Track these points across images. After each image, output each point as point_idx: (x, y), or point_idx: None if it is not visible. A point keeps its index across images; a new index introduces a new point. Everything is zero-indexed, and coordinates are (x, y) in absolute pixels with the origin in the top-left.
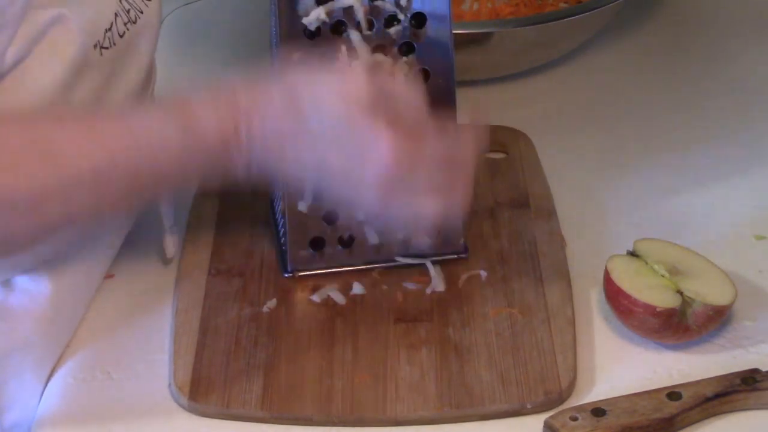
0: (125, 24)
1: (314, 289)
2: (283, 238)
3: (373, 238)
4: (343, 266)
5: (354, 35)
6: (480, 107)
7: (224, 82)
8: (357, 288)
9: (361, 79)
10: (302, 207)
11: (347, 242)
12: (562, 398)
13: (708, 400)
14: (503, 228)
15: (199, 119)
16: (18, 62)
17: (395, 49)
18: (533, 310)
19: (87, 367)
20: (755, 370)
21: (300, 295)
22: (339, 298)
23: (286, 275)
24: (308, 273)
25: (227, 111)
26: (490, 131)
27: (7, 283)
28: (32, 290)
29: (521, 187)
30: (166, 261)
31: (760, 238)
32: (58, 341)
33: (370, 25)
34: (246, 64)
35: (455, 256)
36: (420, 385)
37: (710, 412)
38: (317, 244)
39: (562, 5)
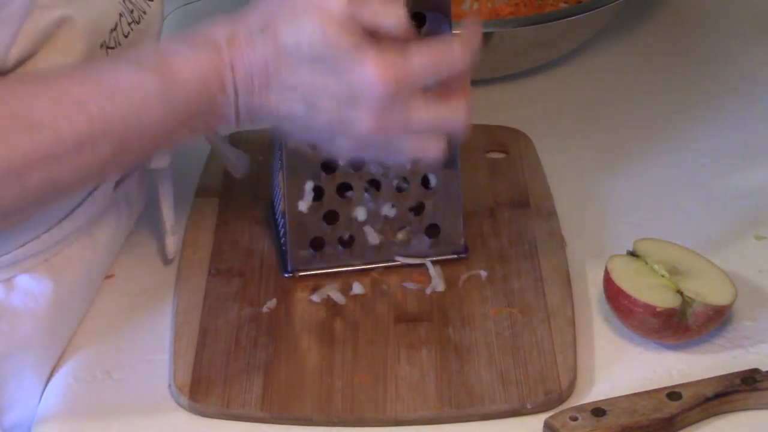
0: (129, 24)
1: (314, 289)
2: (283, 238)
3: (372, 238)
4: (343, 266)
5: None
6: (473, 18)
7: (199, 26)
8: (357, 288)
9: None
10: (302, 207)
11: (347, 242)
12: (562, 398)
13: (708, 400)
14: (503, 228)
15: (177, 66)
16: (23, 62)
17: None
18: (533, 309)
19: (87, 367)
20: (755, 370)
21: (300, 295)
22: (339, 298)
23: (286, 275)
24: (308, 273)
25: (205, 53)
26: (490, 131)
27: (9, 283)
28: (33, 290)
29: (521, 187)
30: (166, 261)
31: (760, 238)
32: (59, 341)
33: None
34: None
35: (455, 256)
36: (420, 385)
37: (710, 412)
38: (317, 244)
39: (562, 5)
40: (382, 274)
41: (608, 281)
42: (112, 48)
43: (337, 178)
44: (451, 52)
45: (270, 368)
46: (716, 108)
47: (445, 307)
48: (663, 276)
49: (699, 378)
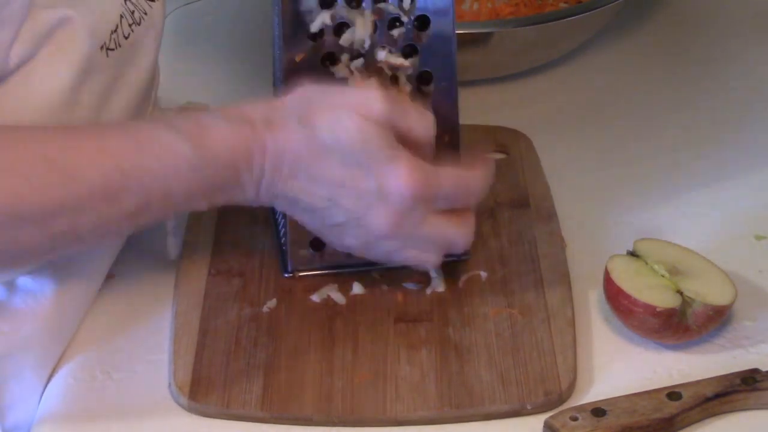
0: (130, 25)
1: (314, 289)
2: (283, 238)
3: None
4: (343, 266)
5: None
6: (485, 152)
7: (237, 103)
8: (357, 288)
9: (378, 96)
10: None
11: None
12: (562, 398)
13: (708, 400)
14: (503, 228)
15: (212, 138)
16: (23, 63)
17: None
18: (533, 310)
19: (87, 367)
20: (755, 370)
21: (300, 295)
22: (339, 298)
23: (286, 275)
24: (308, 273)
25: (241, 131)
26: (490, 131)
27: (10, 284)
28: (34, 291)
29: (521, 187)
30: (166, 261)
31: (760, 238)
32: (60, 341)
33: (374, 28)
34: (247, 64)
35: (455, 256)
36: (420, 386)
37: (710, 412)
38: (317, 244)
39: (562, 5)
40: (382, 274)
41: (608, 281)
42: (113, 49)
43: None
44: (475, 183)
45: (270, 368)
46: (716, 108)
47: (445, 307)
48: (663, 276)
49: (699, 378)
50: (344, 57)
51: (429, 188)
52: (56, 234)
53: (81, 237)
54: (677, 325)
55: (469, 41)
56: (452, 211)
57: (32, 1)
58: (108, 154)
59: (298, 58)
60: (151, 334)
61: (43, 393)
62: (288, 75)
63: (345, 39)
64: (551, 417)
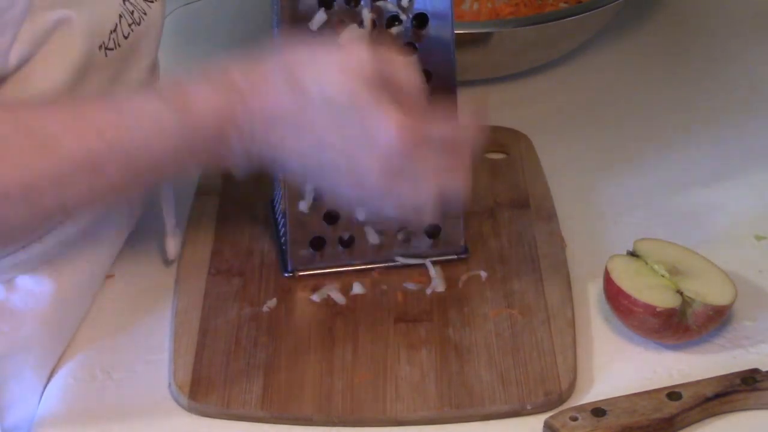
0: (129, 25)
1: (314, 289)
2: (283, 238)
3: (373, 238)
4: (343, 266)
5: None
6: (481, 105)
7: (221, 63)
8: (357, 288)
9: (364, 54)
10: (302, 207)
11: (347, 242)
12: (562, 398)
13: (708, 400)
14: (503, 228)
15: (195, 101)
16: (22, 63)
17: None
18: (533, 310)
19: (87, 367)
20: (755, 370)
21: (300, 295)
22: (339, 298)
23: (286, 275)
24: (308, 273)
25: (225, 92)
26: (490, 131)
27: (10, 283)
28: (34, 290)
29: (521, 187)
30: (166, 261)
31: (760, 238)
32: (59, 341)
33: (373, 26)
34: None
35: (455, 256)
36: (420, 385)
37: (710, 412)
38: (317, 243)
39: (562, 5)
40: (382, 274)
41: (608, 281)
42: (111, 49)
43: None
44: (466, 132)
45: (270, 368)
46: (716, 108)
47: (445, 307)
48: (663, 276)
49: (699, 378)
50: None
51: (418, 138)
52: (44, 209)
53: (70, 210)
54: (677, 325)
55: (469, 41)
56: (447, 162)
57: (32, 2)
58: (90, 125)
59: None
60: (151, 334)
61: (43, 393)
62: None
63: (344, 38)
64: (551, 417)
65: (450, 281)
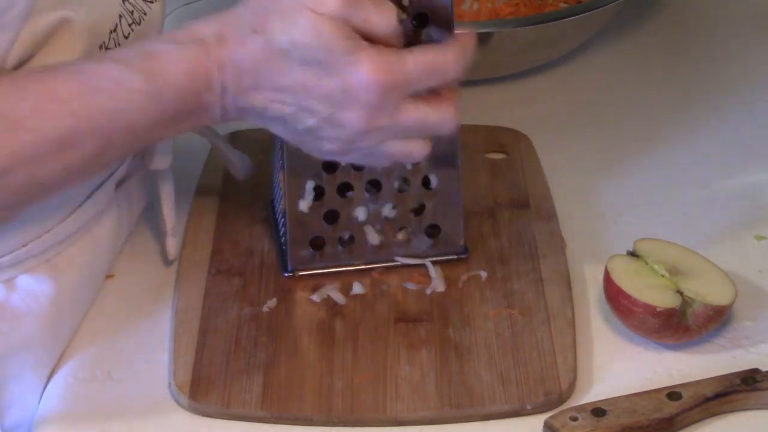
0: (129, 25)
1: (314, 289)
2: (283, 238)
3: (373, 239)
4: (343, 266)
5: None
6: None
7: (187, 23)
8: (357, 288)
9: None
10: (302, 207)
11: (347, 242)
12: (562, 399)
13: (708, 400)
14: (503, 228)
15: (163, 65)
16: (22, 64)
17: None
18: (533, 310)
19: (87, 367)
20: (755, 370)
21: (300, 295)
22: (339, 298)
23: (286, 275)
24: (308, 273)
25: (193, 52)
26: (490, 131)
27: (10, 283)
28: (34, 290)
29: (521, 187)
30: (166, 261)
31: (760, 238)
32: (59, 341)
33: None
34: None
35: (455, 256)
36: (420, 386)
37: (710, 412)
38: (317, 243)
39: (562, 5)
40: (382, 274)
41: (608, 281)
42: (112, 49)
43: (338, 177)
44: (445, 58)
45: (270, 368)
46: (716, 108)
47: (445, 307)
48: (663, 276)
49: (699, 378)
50: None
51: (395, 75)
52: (18, 188)
53: (45, 187)
54: (677, 325)
55: None
56: (433, 93)
57: (32, 3)
58: (56, 99)
59: None
60: (151, 334)
61: (43, 393)
62: None
63: None
64: (551, 417)
65: (450, 281)
